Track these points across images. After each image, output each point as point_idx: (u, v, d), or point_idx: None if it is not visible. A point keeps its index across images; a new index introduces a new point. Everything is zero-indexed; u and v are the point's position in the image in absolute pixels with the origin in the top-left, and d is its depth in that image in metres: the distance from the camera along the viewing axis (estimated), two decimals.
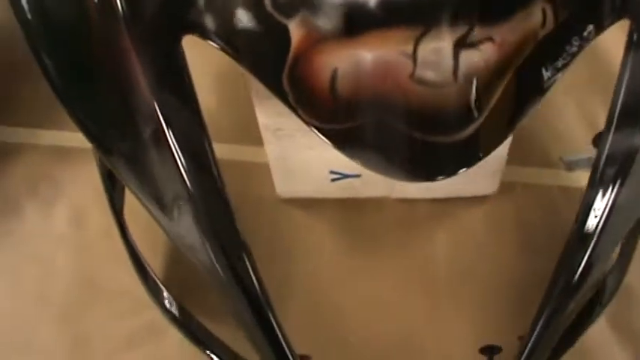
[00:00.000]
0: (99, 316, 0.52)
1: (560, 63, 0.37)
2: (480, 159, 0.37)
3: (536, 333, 0.40)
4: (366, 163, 0.37)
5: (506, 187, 0.56)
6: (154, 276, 0.50)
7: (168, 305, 0.49)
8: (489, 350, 0.44)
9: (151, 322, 0.50)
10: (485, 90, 0.35)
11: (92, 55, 0.37)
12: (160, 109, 0.36)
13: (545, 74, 0.37)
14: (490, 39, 0.35)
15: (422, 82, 0.35)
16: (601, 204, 0.38)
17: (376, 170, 0.38)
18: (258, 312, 0.39)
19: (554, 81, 0.37)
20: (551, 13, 0.36)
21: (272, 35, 0.35)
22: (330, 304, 0.52)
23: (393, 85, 0.34)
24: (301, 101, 0.36)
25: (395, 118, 0.35)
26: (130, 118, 0.37)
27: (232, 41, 0.36)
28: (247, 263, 0.38)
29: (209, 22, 0.35)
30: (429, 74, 0.34)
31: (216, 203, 0.38)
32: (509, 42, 0.35)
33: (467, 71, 0.35)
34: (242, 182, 0.56)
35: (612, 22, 0.38)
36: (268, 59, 0.36)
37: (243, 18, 0.35)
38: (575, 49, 0.37)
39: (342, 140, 0.37)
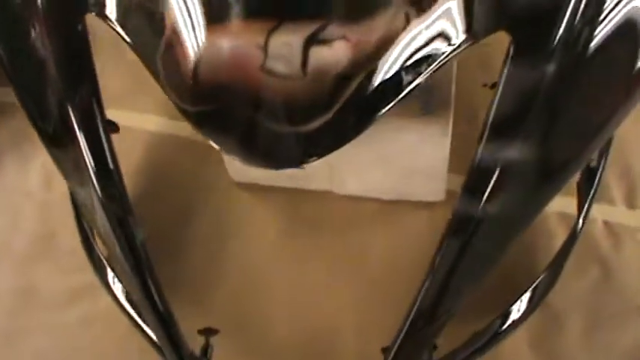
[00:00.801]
0: (48, 270, 0.56)
1: (423, 68, 0.36)
2: (328, 152, 0.38)
3: (402, 333, 0.41)
4: (223, 147, 0.39)
5: (453, 196, 0.56)
6: (99, 253, 0.52)
7: (111, 283, 0.50)
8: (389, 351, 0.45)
9: (92, 283, 0.52)
10: (334, 87, 0.36)
11: (18, 40, 0.42)
12: (65, 93, 0.40)
13: (405, 78, 0.36)
14: (344, 38, 0.35)
15: (271, 73, 0.36)
16: (470, 214, 0.39)
17: (230, 154, 0.39)
18: (144, 284, 0.42)
19: (417, 85, 0.36)
20: (416, 17, 0.36)
21: (150, 20, 0.38)
22: (261, 285, 0.54)
23: (246, 74, 0.36)
24: (170, 82, 0.38)
25: (247, 106, 0.37)
26: (44, 102, 0.41)
27: (120, 21, 0.39)
28: (142, 255, 0.42)
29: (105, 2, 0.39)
30: (279, 66, 0.36)
31: (111, 181, 0.42)
32: (365, 42, 0.35)
33: (317, 67, 0.35)
34: (200, 162, 0.59)
35: (488, 33, 0.37)
36: (147, 40, 0.38)
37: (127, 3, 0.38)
38: (442, 56, 0.36)
39: (201, 123, 0.38)
